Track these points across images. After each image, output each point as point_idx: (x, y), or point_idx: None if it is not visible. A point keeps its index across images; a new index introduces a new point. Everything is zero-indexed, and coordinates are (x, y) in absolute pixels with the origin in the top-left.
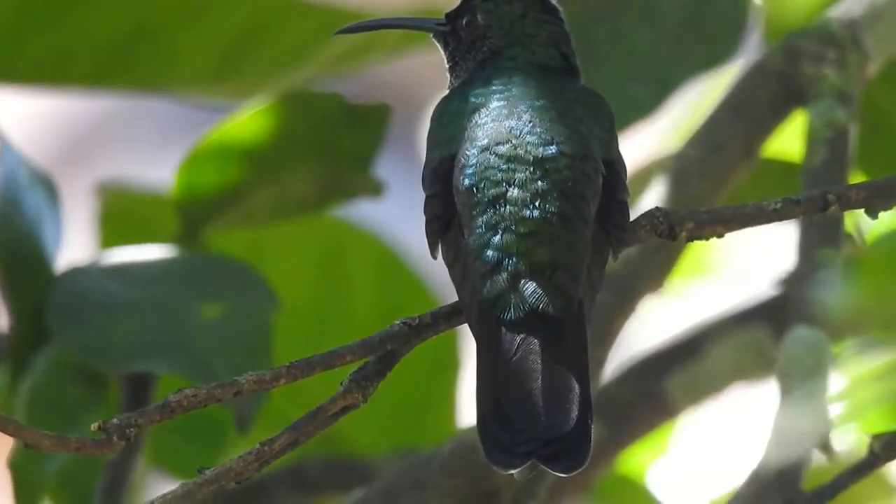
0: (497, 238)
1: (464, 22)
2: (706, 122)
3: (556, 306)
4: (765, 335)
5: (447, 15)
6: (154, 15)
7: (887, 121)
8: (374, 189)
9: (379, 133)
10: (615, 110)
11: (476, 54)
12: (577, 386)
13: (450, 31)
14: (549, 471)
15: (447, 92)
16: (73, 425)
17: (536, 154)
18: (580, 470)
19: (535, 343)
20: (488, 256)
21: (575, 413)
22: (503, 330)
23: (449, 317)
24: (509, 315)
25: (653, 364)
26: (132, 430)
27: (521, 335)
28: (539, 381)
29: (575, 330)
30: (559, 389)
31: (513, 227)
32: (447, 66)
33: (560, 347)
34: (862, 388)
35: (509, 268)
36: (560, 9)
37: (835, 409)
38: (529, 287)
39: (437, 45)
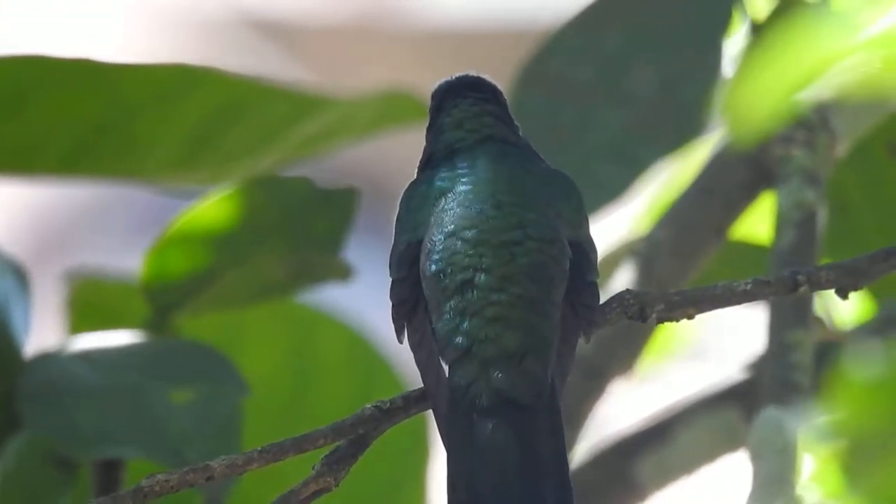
0: (465, 324)
1: None
2: (675, 203)
3: (526, 393)
4: (736, 417)
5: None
6: (120, 102)
7: (854, 203)
8: (344, 273)
9: (348, 217)
10: (584, 193)
11: None
12: (555, 474)
13: None
14: None
15: (416, 176)
16: None
17: (503, 238)
18: None
19: (508, 432)
20: (457, 343)
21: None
22: (475, 418)
23: (420, 400)
24: (481, 403)
25: (623, 447)
26: None
27: (494, 424)
28: (515, 471)
29: (548, 416)
30: (536, 480)
31: (481, 313)
32: None
33: (534, 435)
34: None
35: (478, 354)
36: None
37: (805, 491)
38: (499, 374)
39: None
